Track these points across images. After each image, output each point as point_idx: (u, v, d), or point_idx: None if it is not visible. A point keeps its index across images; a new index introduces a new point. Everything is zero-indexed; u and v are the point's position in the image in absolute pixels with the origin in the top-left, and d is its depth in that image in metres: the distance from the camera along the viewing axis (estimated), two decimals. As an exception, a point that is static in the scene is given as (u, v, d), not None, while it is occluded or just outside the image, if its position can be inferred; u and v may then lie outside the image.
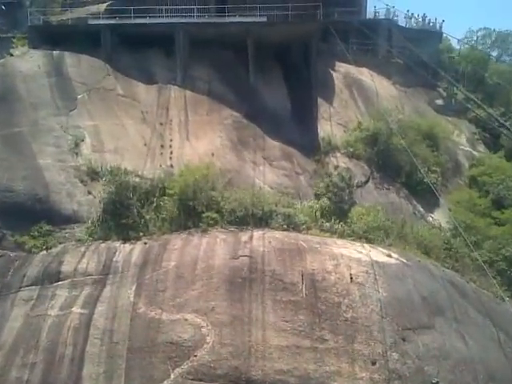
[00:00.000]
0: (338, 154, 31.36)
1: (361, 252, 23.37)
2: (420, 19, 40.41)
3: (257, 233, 24.08)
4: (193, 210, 24.62)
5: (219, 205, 24.92)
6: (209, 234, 23.72)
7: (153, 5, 33.71)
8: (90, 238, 23.66)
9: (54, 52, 30.35)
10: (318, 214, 26.45)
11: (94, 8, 33.90)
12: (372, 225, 26.30)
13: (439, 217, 30.94)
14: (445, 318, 22.48)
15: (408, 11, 40.32)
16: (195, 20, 31.42)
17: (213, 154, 28.16)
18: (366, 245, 24.49)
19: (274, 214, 25.28)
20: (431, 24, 40.74)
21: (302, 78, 33.53)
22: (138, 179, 25.73)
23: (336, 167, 30.40)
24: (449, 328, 22.12)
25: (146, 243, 23.47)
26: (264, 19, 31.36)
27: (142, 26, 30.81)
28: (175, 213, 24.54)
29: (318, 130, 31.96)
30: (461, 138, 35.55)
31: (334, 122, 33.30)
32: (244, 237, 23.68)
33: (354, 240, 25.48)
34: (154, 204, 24.74)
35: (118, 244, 23.48)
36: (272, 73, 33.58)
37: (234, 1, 33.62)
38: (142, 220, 24.15)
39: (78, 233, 23.92)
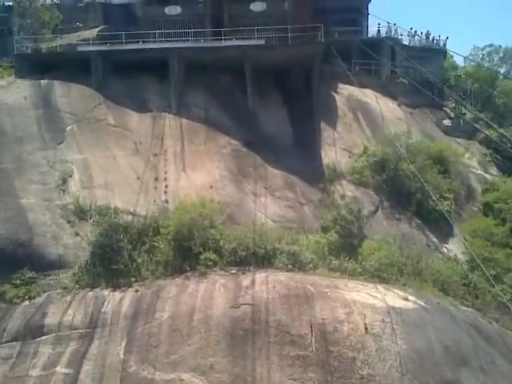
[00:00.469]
0: (344, 182, 28.61)
1: (375, 297, 20.42)
2: (424, 37, 37.97)
3: (259, 275, 21.18)
4: (189, 250, 21.73)
5: (218, 244, 22.06)
6: (207, 279, 20.82)
7: (146, 29, 31.40)
8: (77, 286, 20.75)
9: (42, 81, 27.79)
10: (326, 250, 23.60)
11: (85, 34, 31.44)
12: (385, 262, 23.38)
13: (454, 247, 28.07)
14: (470, 369, 19.48)
15: (411, 29, 38.05)
16: (190, 44, 28.77)
17: (211, 187, 25.37)
18: (379, 286, 21.59)
19: (277, 252, 22.41)
20: (435, 41, 38.28)
21: (304, 101, 30.90)
22: (129, 217, 22.95)
23: (342, 196, 27.67)
24: (476, 381, 19.27)
25: (137, 291, 20.53)
26: (262, 42, 28.69)
27: (135, 51, 28.12)
28: (170, 255, 21.66)
29: (322, 157, 29.20)
30: (472, 160, 32.72)
31: (339, 148, 30.59)
32: (245, 281, 20.77)
33: (366, 279, 22.65)
34: (147, 245, 21.84)
35: (106, 292, 20.57)
36: (271, 97, 30.92)
37: (230, 24, 31.21)
38: (134, 264, 21.23)
39: (63, 279, 21.04)
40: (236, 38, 29.09)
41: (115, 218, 21.64)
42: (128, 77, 28.60)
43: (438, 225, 27.89)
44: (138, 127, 27.12)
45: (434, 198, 26.20)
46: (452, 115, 36.70)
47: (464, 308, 23.39)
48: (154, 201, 24.12)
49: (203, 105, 28.87)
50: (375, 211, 27.60)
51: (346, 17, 36.44)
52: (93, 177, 24.42)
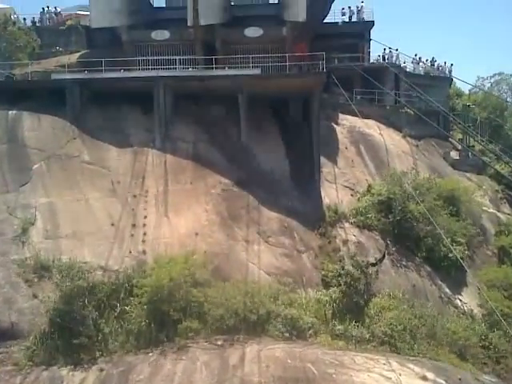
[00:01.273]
0: (347, 225, 24.26)
1: (389, 378, 15.94)
2: (428, 64, 34.05)
3: (250, 348, 16.55)
4: (167, 316, 17.32)
5: (202, 309, 17.72)
6: (187, 354, 16.09)
7: (131, 55, 27.31)
8: (30, 363, 16.14)
9: (10, 112, 23.27)
10: (328, 311, 19.28)
11: (65, 59, 27.39)
12: (395, 325, 19.09)
13: (468, 299, 23.64)
14: None
15: (416, 55, 34.01)
16: (178, 73, 24.41)
17: (196, 234, 20.89)
18: (392, 361, 17.02)
19: (272, 317, 17.86)
20: (440, 68, 34.41)
21: (302, 134, 26.66)
22: (99, 273, 18.65)
23: (345, 242, 23.33)
24: None
25: (102, 370, 15.77)
26: (258, 72, 24.25)
27: (116, 80, 23.75)
28: (144, 322, 17.04)
29: (322, 196, 24.92)
30: (484, 198, 28.71)
31: (340, 185, 26.30)
32: (233, 357, 16.10)
33: (375, 347, 18.33)
34: (118, 310, 17.28)
35: (65, 371, 15.77)
36: (267, 129, 26.63)
37: (223, 50, 27.13)
38: (100, 335, 16.63)
39: (15, 353, 16.56)
40: (229, 67, 24.97)
41: (80, 277, 17.24)
42: (108, 107, 24.22)
43: (450, 273, 23.53)
44: (116, 164, 22.67)
45: (446, 243, 22.08)
46: (459, 146, 32.67)
47: (485, 377, 19.10)
48: (130, 252, 19.62)
49: (191, 139, 24.48)
50: (382, 259, 23.27)
51: (347, 42, 32.37)
52: (59, 224, 19.94)
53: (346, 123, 28.99)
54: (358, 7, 32.81)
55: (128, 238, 20.28)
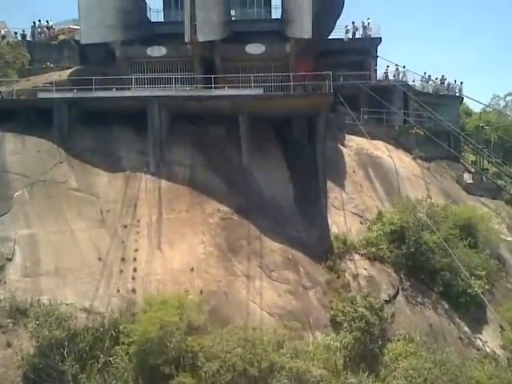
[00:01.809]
0: (357, 257, 21.87)
1: None
2: (438, 82, 31.91)
3: (251, 409, 14.56)
4: (157, 370, 15.05)
5: (197, 360, 15.25)
6: (178, 417, 14.20)
7: (125, 72, 25.08)
8: (-2, 427, 14.21)
9: (-8, 134, 21.24)
10: (340, 360, 16.87)
11: (55, 76, 25.23)
12: (414, 378, 16.61)
13: (489, 338, 21.06)
14: None
15: (425, 73, 31.87)
16: (174, 92, 22.03)
17: (192, 270, 18.48)
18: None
19: (275, 369, 15.45)
20: (450, 86, 32.26)
21: (306, 156, 24.31)
22: (84, 316, 16.27)
23: (355, 276, 20.91)
24: None
25: None
26: (260, 91, 21.91)
27: (107, 99, 21.50)
28: (131, 377, 14.73)
29: (329, 224, 22.67)
30: (501, 226, 26.31)
31: (348, 212, 23.90)
32: (232, 420, 14.15)
33: (392, 404, 16.01)
34: (101, 361, 14.82)
35: None
36: (270, 151, 24.22)
37: (223, 68, 24.78)
38: (80, 392, 14.66)
39: (-19, 414, 14.51)
40: (229, 87, 22.73)
41: (60, 325, 14.82)
42: (99, 128, 21.93)
43: (469, 310, 21.12)
44: (106, 191, 20.30)
45: (465, 277, 19.85)
46: (471, 169, 30.35)
47: None
48: (118, 291, 17.20)
49: (188, 162, 22.13)
50: (395, 295, 20.85)
51: (353, 59, 30.21)
52: (40, 260, 17.47)
53: (353, 145, 26.69)
54: (363, 23, 30.76)
55: (116, 274, 17.86)
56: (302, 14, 22.34)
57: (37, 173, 20.04)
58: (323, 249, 21.19)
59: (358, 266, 21.09)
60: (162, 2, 29.60)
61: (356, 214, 23.61)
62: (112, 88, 21.98)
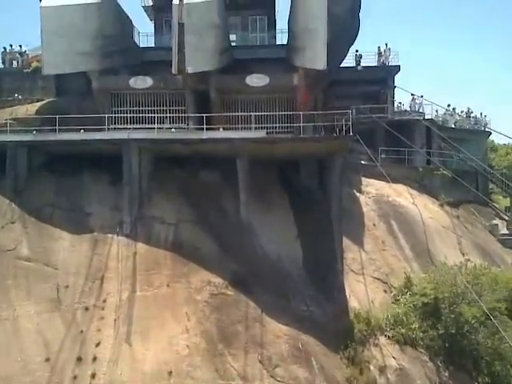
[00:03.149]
0: (383, 340, 16.12)
1: None
2: (464, 115, 26.62)
3: None
4: None
5: None
6: None
7: (104, 107, 19.91)
8: None
9: None
10: None
11: (22, 110, 20.13)
12: None
13: None
14: None
15: (449, 106, 26.44)
16: (156, 135, 16.78)
17: (170, 373, 13.01)
18: None
19: None
20: (475, 120, 26.99)
21: (318, 207, 18.78)
22: None
23: (382, 369, 15.33)
24: None
25: None
26: (262, 134, 16.69)
27: (75, 143, 16.40)
28: None
29: (347, 296, 17.39)
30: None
31: (369, 277, 18.27)
32: None
33: None
34: None
35: None
36: (273, 200, 18.55)
37: (219, 102, 19.22)
38: None
39: None
40: (225, 128, 17.59)
41: None
42: (65, 176, 16.63)
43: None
44: (66, 260, 14.82)
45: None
46: (503, 214, 24.88)
47: None
48: (67, 411, 12.12)
49: (173, 218, 16.66)
50: (434, 393, 15.41)
51: (367, 90, 25.12)
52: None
53: (372, 190, 21.24)
54: (379, 49, 25.61)
55: (68, 382, 12.53)
56: (314, 41, 17.09)
57: (-22, 237, 14.83)
58: (341, 331, 15.61)
59: (386, 355, 15.47)
60: (153, 26, 24.81)
61: (379, 279, 18.06)
62: (81, 129, 16.76)
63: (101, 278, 14.77)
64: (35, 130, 16.97)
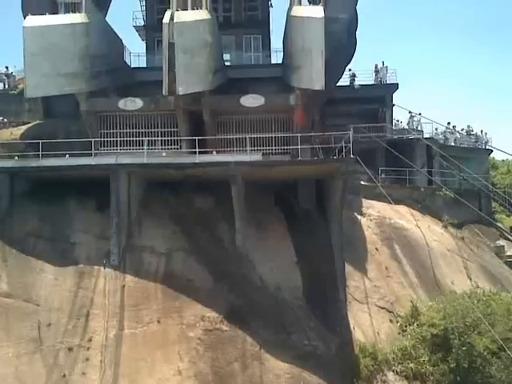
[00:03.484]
0: (391, 376, 14.83)
1: None
2: (464, 133, 25.84)
3: None
4: None
5: None
6: None
7: (92, 131, 19.00)
8: None
9: None
10: None
11: (5, 134, 19.12)
12: None
13: None
14: None
15: (449, 123, 25.84)
16: (146, 160, 15.66)
17: (161, 423, 12.26)
18: None
19: None
20: (476, 137, 26.18)
21: (317, 230, 17.73)
22: None
23: (391, 410, 14.40)
24: None
25: None
26: (258, 157, 15.72)
27: (60, 169, 15.23)
28: None
29: (351, 328, 16.26)
30: None
31: (374, 306, 17.10)
32: None
33: None
34: None
35: None
36: (270, 225, 17.20)
37: (213, 124, 18.24)
38: None
39: None
40: (219, 151, 16.57)
41: None
42: (50, 204, 15.51)
43: None
44: (49, 295, 13.56)
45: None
46: (507, 234, 23.90)
47: None
48: None
49: (164, 247, 15.49)
50: None
51: (365, 108, 24.34)
52: None
53: (373, 212, 20.21)
54: (376, 66, 24.95)
55: None
56: (311, 61, 16.23)
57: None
58: (345, 367, 14.52)
59: (394, 392, 14.39)
60: (144, 46, 24.04)
61: (384, 308, 16.92)
62: (65, 154, 15.73)
63: (86, 314, 13.56)
64: (17, 155, 15.89)
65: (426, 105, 53.09)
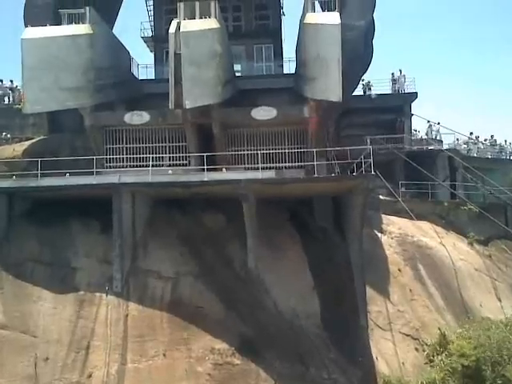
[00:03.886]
0: (419, 414, 13.93)
1: None
2: (488, 143, 24.34)
3: None
4: None
5: None
6: None
7: (98, 146, 18.07)
8: None
9: None
10: None
11: (8, 150, 18.28)
12: None
13: None
14: None
15: (471, 133, 24.34)
16: (151, 178, 14.51)
17: None
18: None
19: None
20: (500, 147, 24.63)
21: (335, 250, 16.60)
22: None
23: None
24: None
25: None
26: (271, 174, 14.52)
27: (60, 188, 14.20)
28: None
29: (374, 358, 14.85)
30: None
31: (398, 333, 15.80)
32: None
33: None
34: None
35: None
36: (284, 244, 15.95)
37: (223, 138, 17.11)
38: None
39: None
40: (229, 168, 15.44)
41: None
42: (50, 225, 14.48)
43: None
44: (47, 326, 12.46)
45: None
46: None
47: None
48: None
49: (171, 271, 14.33)
50: None
51: (382, 118, 23.02)
52: None
53: (394, 229, 18.77)
54: (393, 75, 23.65)
55: None
56: (327, 70, 15.00)
57: None
58: (369, 403, 13.16)
59: (423, 432, 12.92)
60: (153, 57, 23.14)
61: (409, 335, 15.46)
62: (66, 173, 14.72)
63: (86, 347, 12.40)
64: (17, 174, 14.92)
65: (446, 114, 50.60)
